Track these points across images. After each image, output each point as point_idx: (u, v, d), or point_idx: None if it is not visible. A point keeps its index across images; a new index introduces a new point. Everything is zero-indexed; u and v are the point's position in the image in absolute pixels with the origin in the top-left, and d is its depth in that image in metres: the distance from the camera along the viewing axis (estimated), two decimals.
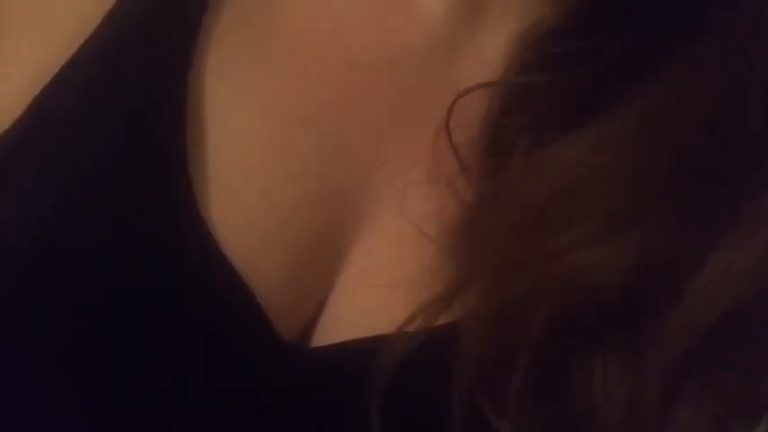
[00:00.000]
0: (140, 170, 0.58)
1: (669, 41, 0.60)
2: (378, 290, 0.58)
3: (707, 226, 0.57)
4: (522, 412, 0.55)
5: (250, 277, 0.57)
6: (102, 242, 0.56)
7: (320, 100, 0.61)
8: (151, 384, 0.55)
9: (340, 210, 0.60)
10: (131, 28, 0.61)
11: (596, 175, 0.58)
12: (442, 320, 0.57)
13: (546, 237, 0.57)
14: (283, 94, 0.61)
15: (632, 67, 0.59)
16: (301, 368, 0.57)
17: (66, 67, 0.60)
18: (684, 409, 0.56)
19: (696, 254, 0.57)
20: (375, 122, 0.61)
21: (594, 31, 0.60)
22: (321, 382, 0.57)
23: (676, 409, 0.56)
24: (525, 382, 0.55)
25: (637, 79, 0.59)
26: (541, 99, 0.60)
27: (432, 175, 0.60)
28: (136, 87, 0.59)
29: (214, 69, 0.60)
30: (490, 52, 0.62)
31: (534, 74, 0.60)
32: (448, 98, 0.60)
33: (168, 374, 0.55)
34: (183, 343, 0.56)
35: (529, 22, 0.62)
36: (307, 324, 0.59)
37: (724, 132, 0.58)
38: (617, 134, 0.59)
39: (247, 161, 0.59)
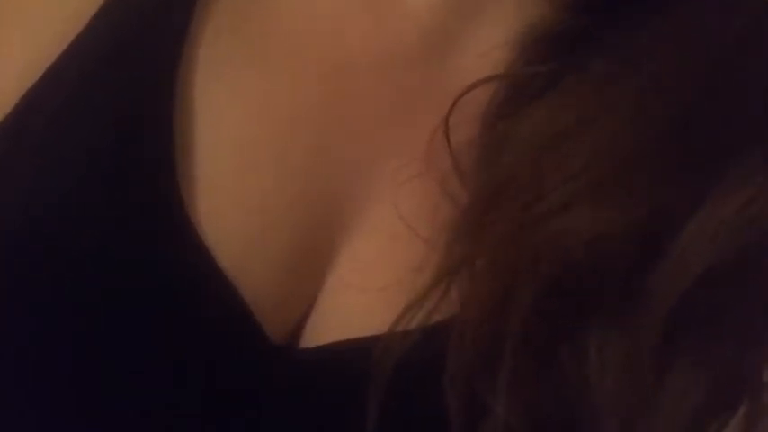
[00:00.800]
0: (131, 170, 0.57)
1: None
2: (366, 291, 0.58)
3: (692, 183, 0.58)
4: (516, 393, 0.55)
5: (239, 279, 0.57)
6: (102, 242, 0.56)
7: (314, 99, 0.61)
8: (151, 384, 0.55)
9: (330, 210, 0.60)
10: (123, 23, 0.60)
11: (575, 137, 0.58)
12: (437, 318, 0.57)
13: (531, 203, 0.58)
14: (276, 93, 0.60)
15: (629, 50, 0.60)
16: (291, 369, 0.57)
17: (58, 64, 0.60)
18: (677, 379, 0.57)
19: (681, 210, 0.57)
20: (369, 122, 0.61)
21: (592, 22, 0.60)
22: (311, 383, 0.57)
23: (669, 378, 0.57)
24: (518, 361, 0.55)
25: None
26: (539, 92, 0.60)
27: (425, 174, 0.60)
28: (127, 84, 0.59)
29: (207, 66, 0.60)
30: (487, 50, 0.62)
31: (534, 67, 0.60)
32: (443, 97, 0.60)
33: (168, 375, 0.55)
34: (182, 343, 0.56)
35: (525, 18, 0.62)
36: (297, 325, 0.59)
37: (709, 91, 0.59)
38: (593, 93, 0.59)
39: (238, 161, 0.59)
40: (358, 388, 0.56)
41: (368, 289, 0.58)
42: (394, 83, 0.61)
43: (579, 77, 0.59)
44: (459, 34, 0.62)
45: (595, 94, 0.59)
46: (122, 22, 0.60)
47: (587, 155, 0.58)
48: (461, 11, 0.62)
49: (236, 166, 0.59)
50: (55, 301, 0.55)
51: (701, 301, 0.57)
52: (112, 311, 0.55)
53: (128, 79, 0.59)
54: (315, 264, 0.59)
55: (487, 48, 0.62)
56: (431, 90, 0.61)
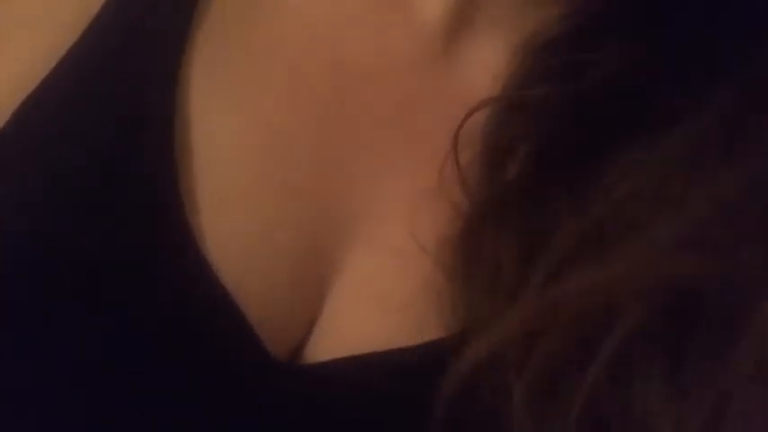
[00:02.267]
0: (132, 172, 0.57)
1: (692, 56, 0.58)
2: (370, 307, 0.58)
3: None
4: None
5: (240, 296, 0.56)
6: (102, 243, 0.56)
7: (314, 112, 0.60)
8: (151, 385, 0.55)
9: (332, 225, 0.59)
10: (124, 26, 0.60)
11: (635, 210, 0.56)
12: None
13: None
14: (276, 105, 0.60)
15: (641, 81, 0.58)
16: (293, 386, 0.57)
17: (59, 66, 0.59)
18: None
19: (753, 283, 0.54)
20: (370, 135, 0.60)
21: (596, 40, 0.59)
22: (313, 400, 0.57)
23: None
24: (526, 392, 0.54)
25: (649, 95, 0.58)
26: (541, 110, 0.59)
27: (429, 189, 0.59)
28: (127, 87, 0.58)
29: (206, 71, 0.59)
30: (489, 62, 0.61)
31: (537, 85, 0.59)
32: (446, 109, 0.59)
33: (168, 377, 0.55)
34: (182, 345, 0.56)
35: (528, 31, 0.61)
36: (299, 342, 0.58)
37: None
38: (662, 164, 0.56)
39: (238, 175, 0.58)
40: (359, 404, 0.55)
41: (371, 306, 0.58)
42: (393, 95, 0.61)
43: (585, 105, 0.58)
44: (461, 46, 0.61)
45: (606, 128, 0.57)
46: (122, 25, 0.60)
47: (599, 199, 0.56)
48: (463, 23, 0.61)
49: (234, 179, 0.58)
50: (55, 302, 0.55)
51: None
52: (112, 312, 0.55)
53: (128, 81, 0.59)
54: (317, 279, 0.58)
55: (490, 60, 0.61)
56: (432, 101, 0.61)
